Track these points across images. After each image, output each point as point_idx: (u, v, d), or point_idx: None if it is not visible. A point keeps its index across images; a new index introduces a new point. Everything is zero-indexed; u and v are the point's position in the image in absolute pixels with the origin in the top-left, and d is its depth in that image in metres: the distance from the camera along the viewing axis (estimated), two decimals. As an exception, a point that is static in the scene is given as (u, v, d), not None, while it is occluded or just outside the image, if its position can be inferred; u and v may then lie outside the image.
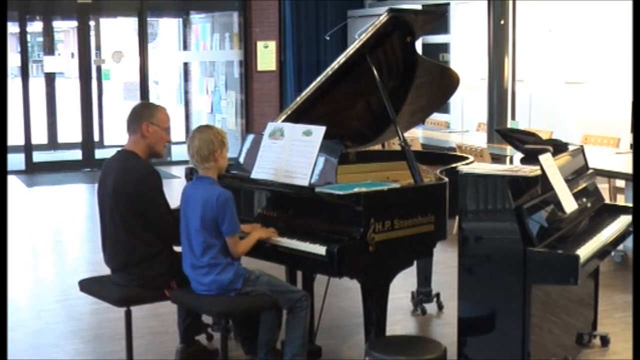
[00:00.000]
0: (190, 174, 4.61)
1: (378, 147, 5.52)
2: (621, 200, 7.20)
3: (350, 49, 4.50)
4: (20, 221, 8.58)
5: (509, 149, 7.37)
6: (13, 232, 7.74)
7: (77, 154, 12.69)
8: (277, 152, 4.33)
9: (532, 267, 3.72)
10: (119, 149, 4.34)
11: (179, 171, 10.04)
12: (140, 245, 4.16)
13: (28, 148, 12.15)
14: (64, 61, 14.17)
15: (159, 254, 4.20)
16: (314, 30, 13.72)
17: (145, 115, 4.25)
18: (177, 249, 4.24)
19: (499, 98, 8.67)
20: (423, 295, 5.44)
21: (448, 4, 12.03)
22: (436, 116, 10.50)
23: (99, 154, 12.48)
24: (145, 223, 4.15)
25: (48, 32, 13.73)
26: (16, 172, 11.73)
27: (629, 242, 5.24)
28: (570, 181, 4.38)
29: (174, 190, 4.28)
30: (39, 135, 13.23)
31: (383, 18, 4.41)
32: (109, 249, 4.30)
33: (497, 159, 7.36)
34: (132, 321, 4.21)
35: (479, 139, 8.69)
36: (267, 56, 12.83)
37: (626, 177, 6.50)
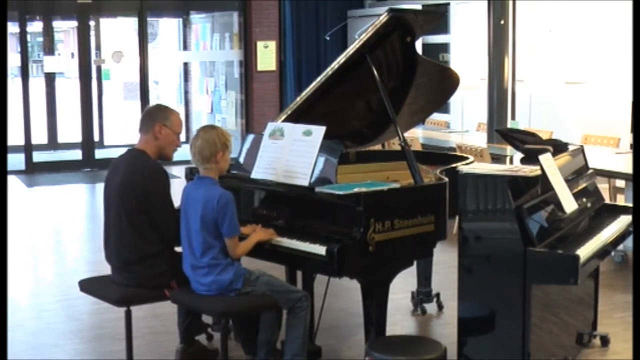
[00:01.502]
0: (190, 174, 4.62)
1: (378, 147, 5.52)
2: (621, 200, 7.20)
3: (350, 49, 4.50)
4: (20, 221, 8.57)
5: (509, 149, 7.37)
6: (13, 232, 7.74)
7: (77, 154, 12.68)
8: (277, 152, 4.33)
9: (532, 267, 3.72)
10: (129, 147, 4.35)
11: (179, 171, 10.00)
12: (143, 244, 4.17)
13: (28, 148, 12.15)
14: (64, 61, 14.16)
15: (160, 253, 4.20)
16: (314, 30, 13.72)
17: (159, 117, 4.27)
18: (178, 249, 4.24)
19: (499, 98, 8.66)
20: (423, 295, 5.44)
21: (448, 4, 12.03)
22: (436, 116, 10.50)
23: (99, 154, 12.50)
24: (149, 221, 4.16)
25: (48, 32, 13.71)
26: (16, 172, 11.72)
27: (629, 242, 5.23)
28: (570, 181, 4.38)
29: (174, 190, 4.28)
30: (39, 135, 13.22)
31: (383, 18, 4.41)
32: (111, 246, 4.30)
33: (497, 159, 7.35)
34: (132, 321, 4.21)
35: (479, 139, 8.68)
36: (267, 56, 12.82)
37: (626, 177, 6.50)
